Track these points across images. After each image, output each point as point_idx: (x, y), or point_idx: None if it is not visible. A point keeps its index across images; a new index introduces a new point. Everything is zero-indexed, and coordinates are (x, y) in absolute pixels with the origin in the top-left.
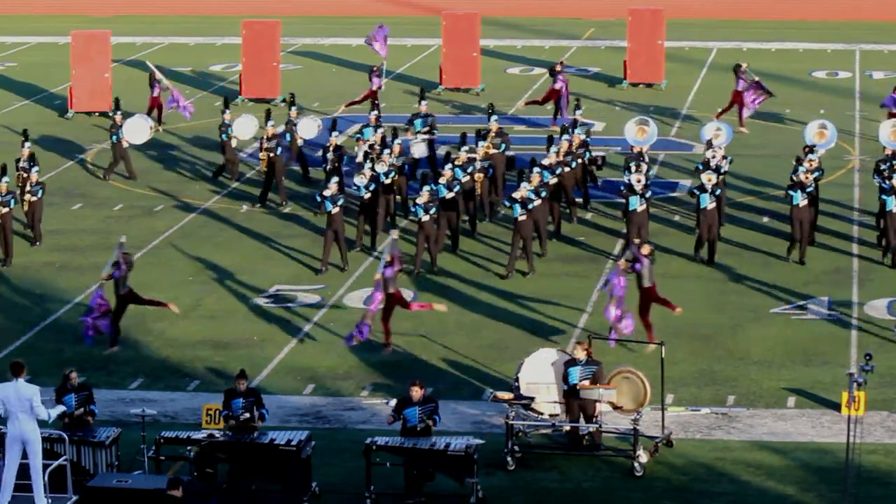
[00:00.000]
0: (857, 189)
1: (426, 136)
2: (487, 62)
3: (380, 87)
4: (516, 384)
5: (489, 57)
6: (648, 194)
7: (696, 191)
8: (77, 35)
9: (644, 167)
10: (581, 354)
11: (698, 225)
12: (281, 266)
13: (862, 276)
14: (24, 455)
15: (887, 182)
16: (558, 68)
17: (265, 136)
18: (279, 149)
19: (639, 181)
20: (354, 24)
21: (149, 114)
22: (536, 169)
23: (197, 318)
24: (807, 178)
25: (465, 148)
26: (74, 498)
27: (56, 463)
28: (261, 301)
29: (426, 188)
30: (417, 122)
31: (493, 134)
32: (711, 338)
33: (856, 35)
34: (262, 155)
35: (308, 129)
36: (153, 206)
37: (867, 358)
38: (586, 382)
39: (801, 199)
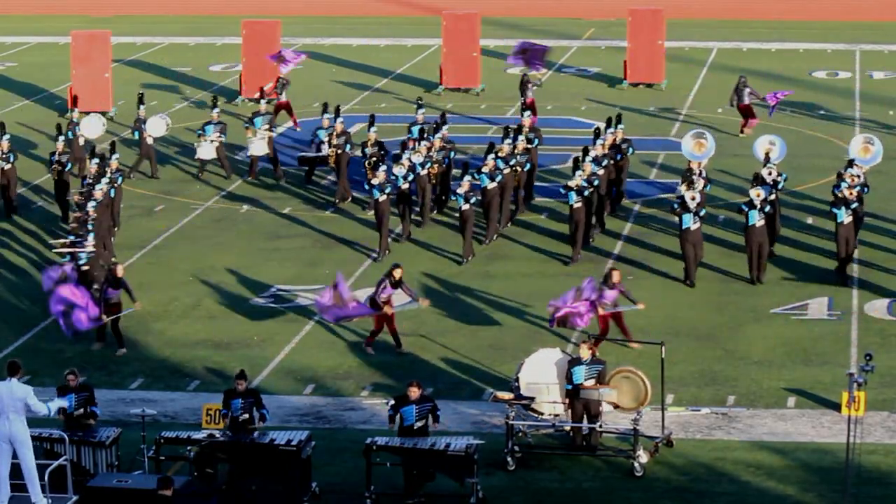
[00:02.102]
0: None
1: (266, 134)
2: (487, 62)
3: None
4: (516, 384)
5: (489, 57)
6: (703, 212)
7: (744, 207)
8: (77, 35)
9: (700, 183)
10: (586, 354)
11: (747, 243)
12: (281, 266)
13: (862, 277)
14: (16, 455)
15: None
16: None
17: (334, 133)
18: (348, 146)
19: (693, 199)
20: (355, 24)
21: None
22: (588, 158)
23: (197, 318)
24: (851, 194)
25: (508, 140)
26: (75, 498)
27: (56, 463)
28: (261, 301)
29: (467, 178)
30: (258, 120)
31: (527, 130)
32: (711, 338)
33: (856, 35)
34: (331, 151)
35: (157, 127)
36: (153, 207)
37: (867, 358)
38: (591, 382)
39: (845, 217)
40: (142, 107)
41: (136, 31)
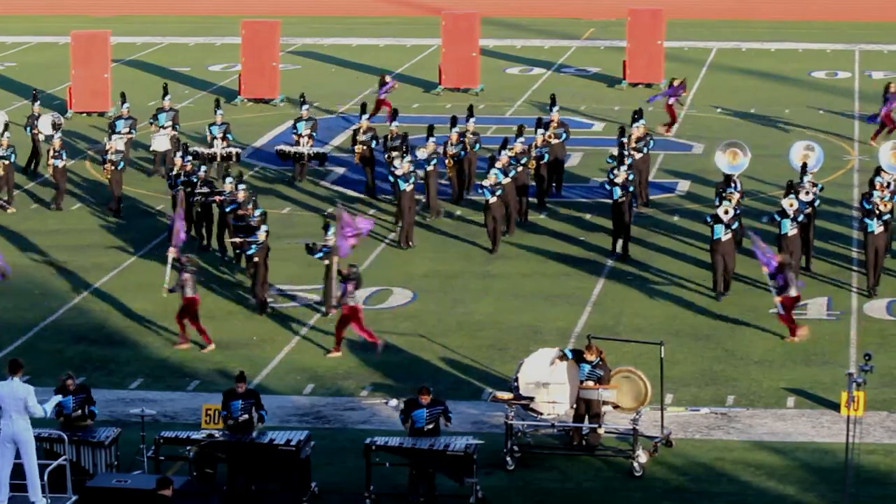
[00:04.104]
0: (857, 189)
1: (168, 132)
2: (487, 62)
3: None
4: (516, 384)
5: (489, 57)
6: (735, 225)
7: (776, 216)
8: (77, 35)
9: (735, 196)
10: (591, 356)
11: (780, 253)
12: (281, 266)
13: (862, 277)
14: (18, 455)
15: None
16: None
17: (360, 129)
18: (374, 142)
19: (726, 212)
20: (355, 24)
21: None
22: (626, 151)
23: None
24: (885, 205)
25: (521, 139)
26: (74, 498)
27: (56, 463)
28: None
29: (493, 171)
30: (161, 116)
31: (555, 124)
32: (711, 338)
33: (856, 35)
34: (358, 148)
35: (47, 125)
36: (153, 206)
37: (867, 358)
38: (590, 383)
39: (876, 227)
40: (36, 104)
41: (136, 31)
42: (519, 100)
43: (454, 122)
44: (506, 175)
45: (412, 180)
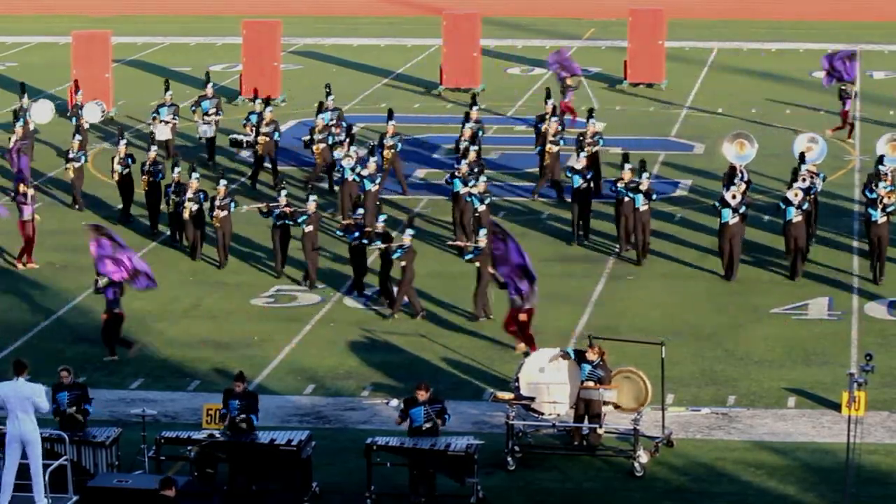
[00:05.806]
0: (858, 189)
1: (212, 119)
2: (488, 62)
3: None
4: (516, 384)
5: (489, 57)
6: (742, 210)
7: (781, 204)
8: (78, 35)
9: (743, 186)
10: (592, 356)
11: (786, 240)
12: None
13: (862, 276)
14: (24, 455)
15: None
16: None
17: (263, 122)
18: (276, 134)
19: (734, 197)
20: (355, 24)
21: None
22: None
23: (197, 318)
24: (889, 197)
25: (474, 147)
26: (75, 498)
27: (56, 463)
28: (261, 301)
29: (482, 178)
30: (205, 103)
31: (556, 121)
32: (711, 338)
33: (856, 35)
34: (261, 139)
35: (93, 113)
36: None
37: (867, 358)
38: (590, 383)
39: (879, 217)
40: (79, 93)
41: (136, 31)
42: (520, 100)
43: (390, 115)
44: (465, 185)
45: (378, 180)
